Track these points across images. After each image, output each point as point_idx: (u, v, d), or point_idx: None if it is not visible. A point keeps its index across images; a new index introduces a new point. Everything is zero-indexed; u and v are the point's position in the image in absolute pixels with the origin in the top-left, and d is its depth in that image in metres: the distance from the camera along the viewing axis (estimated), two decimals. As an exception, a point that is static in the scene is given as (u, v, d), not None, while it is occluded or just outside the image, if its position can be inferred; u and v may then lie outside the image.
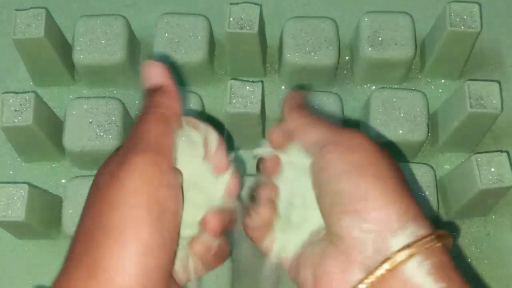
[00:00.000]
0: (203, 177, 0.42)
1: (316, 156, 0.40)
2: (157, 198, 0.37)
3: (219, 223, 0.40)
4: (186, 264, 0.40)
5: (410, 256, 0.35)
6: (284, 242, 0.43)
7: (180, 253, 0.40)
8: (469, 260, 0.62)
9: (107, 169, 0.39)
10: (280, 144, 0.43)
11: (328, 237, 0.38)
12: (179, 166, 0.40)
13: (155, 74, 0.42)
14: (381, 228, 0.36)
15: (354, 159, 0.38)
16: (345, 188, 0.37)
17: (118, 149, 0.41)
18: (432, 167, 0.62)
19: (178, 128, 0.41)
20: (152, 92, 0.42)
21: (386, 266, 0.35)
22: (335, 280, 0.37)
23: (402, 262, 0.35)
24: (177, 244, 0.38)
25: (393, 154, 0.64)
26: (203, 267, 0.42)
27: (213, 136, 0.42)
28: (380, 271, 0.35)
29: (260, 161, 0.45)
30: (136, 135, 0.39)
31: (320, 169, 0.39)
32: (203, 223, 0.40)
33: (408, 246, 0.35)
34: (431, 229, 0.36)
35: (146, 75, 0.43)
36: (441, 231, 0.37)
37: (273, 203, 0.43)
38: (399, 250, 0.35)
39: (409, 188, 0.38)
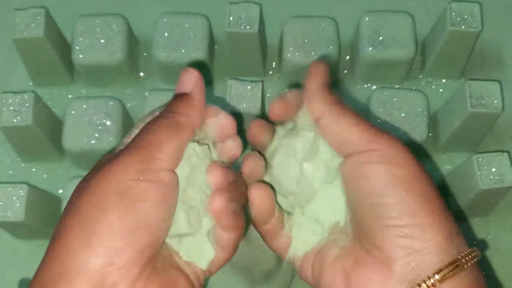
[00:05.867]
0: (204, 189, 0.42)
1: (352, 161, 0.39)
2: (133, 190, 0.37)
3: (221, 176, 0.40)
4: (203, 251, 0.41)
5: (454, 274, 0.36)
6: (301, 238, 0.42)
7: (196, 242, 0.41)
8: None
9: (97, 164, 0.40)
10: (281, 117, 0.43)
11: (363, 245, 0.38)
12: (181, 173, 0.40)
13: (187, 81, 0.42)
14: (427, 246, 0.36)
15: (399, 173, 0.37)
16: (390, 202, 0.37)
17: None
18: (432, 167, 0.61)
19: (189, 139, 0.41)
20: (175, 98, 0.42)
21: (430, 282, 0.36)
22: None
23: (446, 280, 0.36)
24: (162, 234, 0.39)
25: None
26: (223, 249, 0.42)
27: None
28: (429, 283, 0.36)
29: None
30: (139, 134, 0.40)
31: (358, 178, 0.38)
32: (209, 175, 0.41)
33: (451, 263, 0.36)
34: (468, 247, 0.37)
35: (179, 80, 0.42)
36: (475, 248, 0.38)
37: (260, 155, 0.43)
38: (444, 268, 0.36)
39: (445, 203, 0.38)
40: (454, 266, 0.36)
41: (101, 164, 0.39)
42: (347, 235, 0.40)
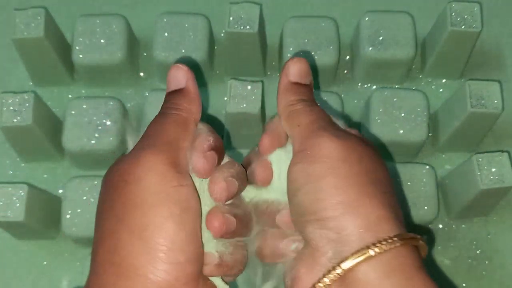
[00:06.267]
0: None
1: (290, 164, 0.40)
2: (177, 197, 0.37)
3: (219, 221, 0.39)
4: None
5: (367, 258, 0.35)
6: None
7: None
8: (470, 260, 0.62)
9: (119, 168, 0.39)
10: (273, 148, 0.43)
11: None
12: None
13: (179, 77, 0.42)
14: (342, 234, 0.36)
15: (313, 170, 0.38)
16: (305, 201, 0.38)
17: (124, 152, 0.41)
18: (432, 167, 0.61)
19: (194, 133, 0.41)
20: (173, 94, 0.42)
21: (340, 269, 0.36)
22: (303, 281, 0.38)
23: (358, 264, 0.36)
24: (202, 241, 0.39)
25: (393, 154, 0.64)
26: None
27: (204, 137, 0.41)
28: (334, 273, 0.36)
29: (249, 168, 0.44)
30: (152, 135, 0.39)
31: (288, 180, 0.40)
32: (207, 225, 0.40)
33: (365, 248, 0.36)
34: (398, 232, 0.37)
35: (170, 77, 0.42)
36: (409, 234, 0.37)
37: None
38: (356, 252, 0.36)
39: (383, 190, 0.38)
40: (359, 254, 0.35)
41: (124, 168, 0.38)
42: None
